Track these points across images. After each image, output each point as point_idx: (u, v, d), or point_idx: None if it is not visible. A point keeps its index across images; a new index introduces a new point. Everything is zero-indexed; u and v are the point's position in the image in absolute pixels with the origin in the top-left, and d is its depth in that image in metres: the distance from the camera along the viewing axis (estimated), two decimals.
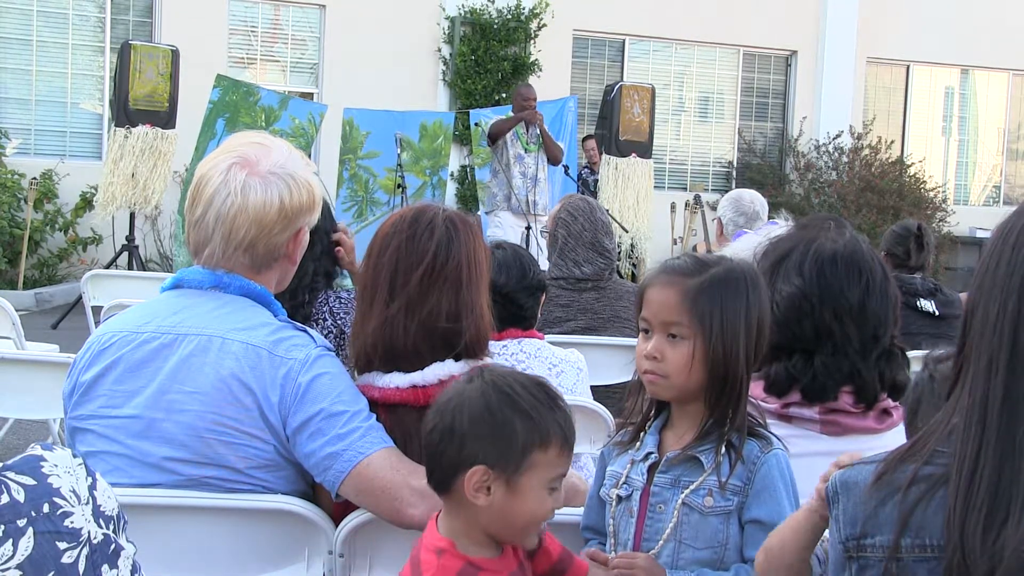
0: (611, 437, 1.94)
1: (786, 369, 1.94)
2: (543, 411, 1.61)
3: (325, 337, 2.99)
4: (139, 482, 1.96)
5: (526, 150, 8.96)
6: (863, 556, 1.31)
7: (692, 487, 1.73)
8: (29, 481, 1.09)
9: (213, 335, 1.97)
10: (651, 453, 1.80)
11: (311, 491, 2.06)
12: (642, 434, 1.84)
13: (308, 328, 2.07)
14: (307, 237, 2.15)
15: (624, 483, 1.81)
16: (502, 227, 8.74)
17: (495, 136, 8.88)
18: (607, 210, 4.30)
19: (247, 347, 1.96)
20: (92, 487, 1.15)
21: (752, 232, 4.87)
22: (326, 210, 3.09)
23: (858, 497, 1.34)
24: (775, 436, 1.79)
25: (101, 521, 1.13)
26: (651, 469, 1.79)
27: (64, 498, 1.10)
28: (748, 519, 1.73)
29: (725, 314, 1.74)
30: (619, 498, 1.80)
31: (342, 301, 3.04)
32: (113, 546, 1.13)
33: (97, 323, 4.80)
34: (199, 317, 2.01)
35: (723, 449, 1.74)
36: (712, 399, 1.75)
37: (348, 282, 3.23)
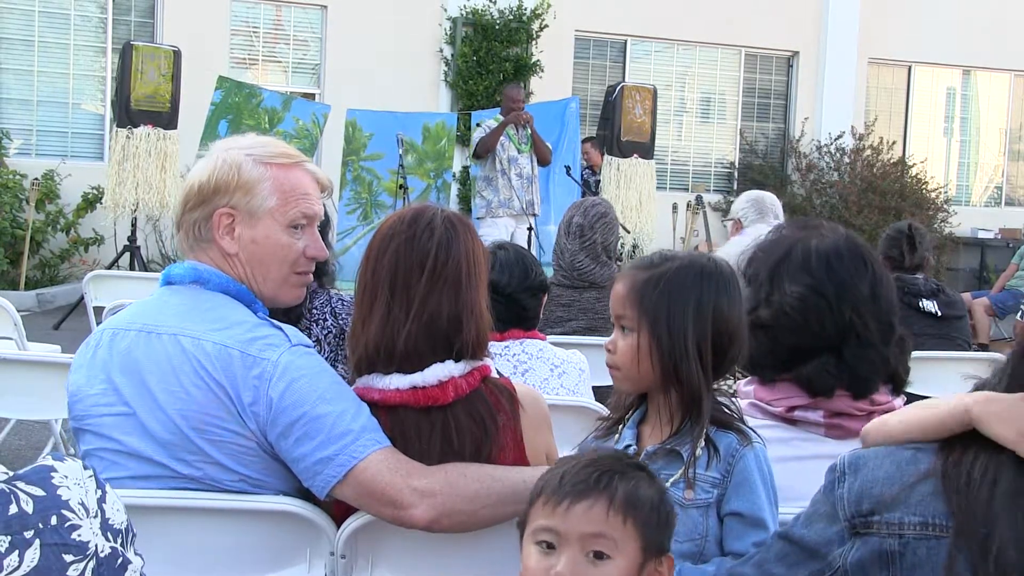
0: (588, 434, 1.95)
1: (820, 369, 1.93)
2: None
3: (325, 337, 3.01)
4: (135, 473, 1.96)
5: (519, 151, 8.90)
6: (868, 532, 1.36)
7: (671, 480, 1.74)
8: (39, 492, 1.09)
9: (190, 335, 1.97)
10: (629, 446, 1.81)
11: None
12: (620, 427, 1.85)
13: (285, 327, 2.03)
14: (252, 226, 2.07)
15: None
16: (495, 228, 8.67)
17: (483, 153, 8.76)
18: (595, 214, 4.25)
19: (219, 348, 1.94)
20: (101, 500, 1.15)
21: (744, 233, 4.88)
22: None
23: (866, 477, 1.38)
24: (753, 431, 1.79)
25: (109, 534, 1.13)
26: None
27: (72, 511, 1.10)
28: (728, 512, 1.74)
29: (671, 307, 1.76)
30: None
31: (344, 302, 3.04)
32: (120, 560, 1.13)
33: (99, 324, 4.80)
34: (179, 316, 2.01)
35: (701, 443, 1.75)
36: (672, 393, 1.77)
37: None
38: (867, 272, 1.94)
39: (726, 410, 1.81)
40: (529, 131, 8.94)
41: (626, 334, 1.80)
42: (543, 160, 9.10)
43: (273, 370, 1.92)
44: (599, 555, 1.44)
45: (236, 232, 2.07)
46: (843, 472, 1.42)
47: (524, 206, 8.81)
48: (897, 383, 1.99)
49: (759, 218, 4.91)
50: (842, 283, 1.92)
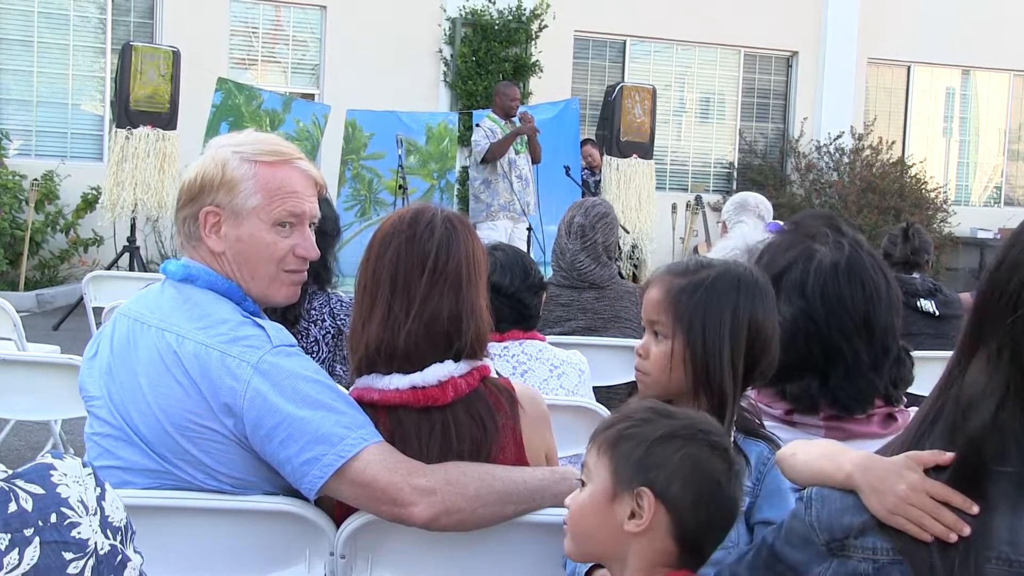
0: None
1: (803, 389, 1.91)
2: None
3: (324, 337, 3.01)
4: (125, 463, 1.97)
5: (516, 152, 8.86)
6: (845, 554, 1.39)
7: None
8: (38, 490, 1.09)
9: (174, 331, 1.98)
10: None
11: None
12: None
13: (267, 325, 2.01)
14: (237, 225, 2.06)
15: None
16: (495, 231, 8.64)
17: (494, 159, 8.68)
18: (596, 214, 4.25)
19: (200, 347, 1.95)
20: (101, 497, 1.15)
21: (728, 236, 4.94)
22: (332, 220, 3.11)
23: (834, 505, 1.42)
24: (779, 438, 1.79)
25: (109, 532, 1.13)
26: None
27: (72, 508, 1.10)
28: (759, 520, 1.73)
29: (707, 316, 1.74)
30: None
31: (343, 303, 3.05)
32: (120, 557, 1.13)
33: (98, 324, 4.81)
34: (167, 311, 2.02)
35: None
36: (701, 401, 1.75)
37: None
38: (863, 294, 1.91)
39: (747, 414, 1.81)
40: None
41: (659, 340, 1.78)
42: (537, 158, 9.05)
43: (253, 373, 1.91)
44: (582, 484, 1.60)
45: (222, 231, 2.06)
46: (810, 499, 1.45)
47: (524, 208, 8.79)
48: (890, 400, 1.98)
49: (740, 219, 5.02)
50: (834, 309, 1.90)
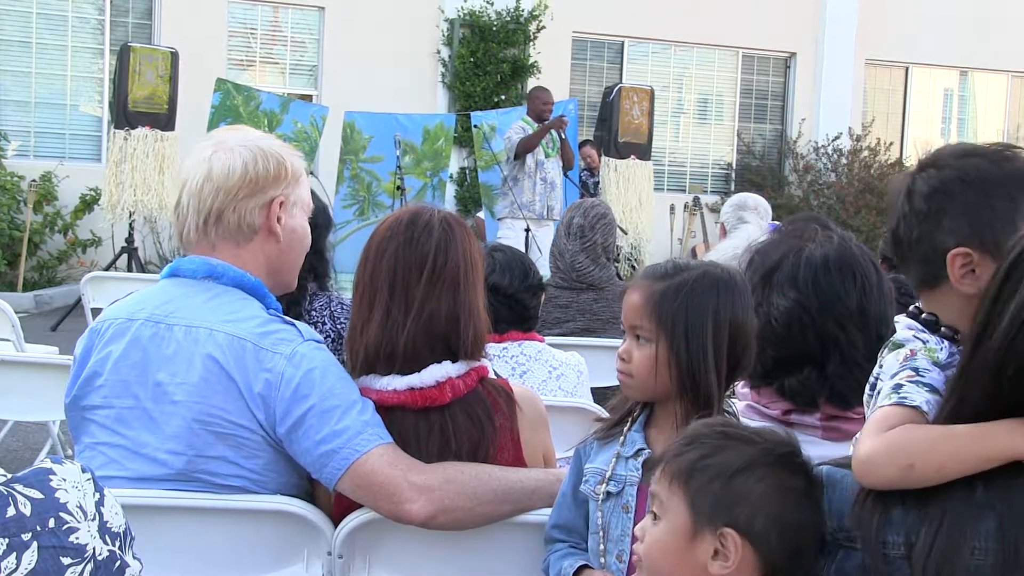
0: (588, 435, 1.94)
1: (800, 382, 1.92)
2: None
3: (323, 340, 3.01)
4: (134, 475, 1.96)
5: (547, 155, 8.91)
6: (850, 546, 1.38)
7: None
8: (36, 495, 1.09)
9: (201, 326, 1.97)
10: (643, 449, 1.80)
11: (308, 485, 2.06)
12: (625, 429, 1.85)
13: (296, 322, 2.04)
14: (292, 215, 2.14)
15: (611, 479, 1.81)
16: (513, 229, 8.70)
17: (525, 152, 8.74)
18: (595, 215, 4.26)
19: (232, 339, 1.95)
20: (99, 503, 1.14)
21: (730, 237, 4.93)
22: (321, 210, 3.10)
23: (844, 496, 1.40)
24: None
25: (107, 537, 1.12)
26: (646, 465, 1.80)
27: (70, 513, 1.09)
28: None
29: (689, 319, 1.75)
30: (608, 494, 1.81)
31: (343, 306, 3.04)
32: (118, 563, 1.13)
33: None
34: (190, 308, 2.01)
35: None
36: (686, 402, 1.76)
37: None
38: (855, 285, 1.92)
39: (726, 414, 1.81)
40: (556, 135, 8.97)
41: (642, 344, 1.79)
42: (569, 164, 9.19)
43: (286, 364, 1.93)
44: (654, 516, 1.51)
45: (283, 221, 2.12)
46: (821, 485, 1.44)
47: (545, 211, 8.84)
48: None
49: (740, 221, 5.02)
50: (827, 298, 1.90)
